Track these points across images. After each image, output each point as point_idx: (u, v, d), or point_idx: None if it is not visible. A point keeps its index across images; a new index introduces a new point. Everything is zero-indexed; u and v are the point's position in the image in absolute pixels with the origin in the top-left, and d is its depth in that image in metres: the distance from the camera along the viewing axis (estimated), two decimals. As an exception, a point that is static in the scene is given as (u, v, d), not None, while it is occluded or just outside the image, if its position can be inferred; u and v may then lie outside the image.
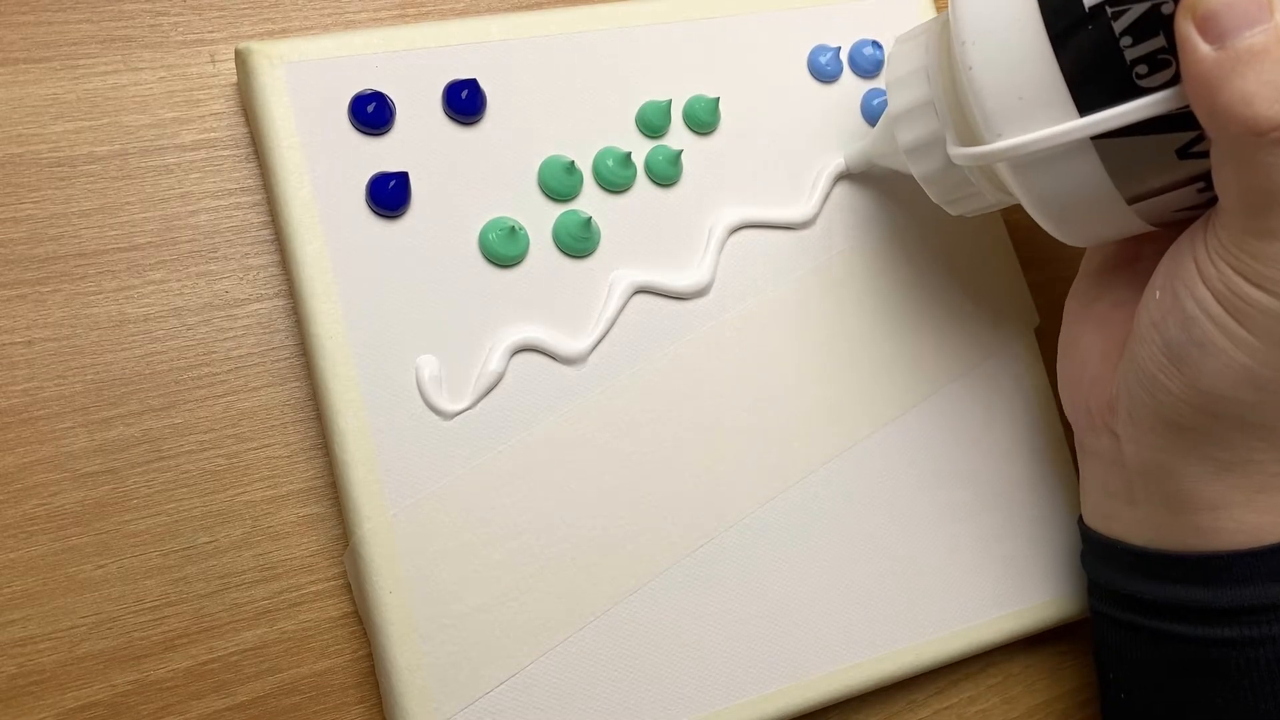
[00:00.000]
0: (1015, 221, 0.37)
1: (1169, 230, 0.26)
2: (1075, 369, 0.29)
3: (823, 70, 0.33)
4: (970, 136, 0.27)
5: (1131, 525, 0.29)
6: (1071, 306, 0.30)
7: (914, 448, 0.32)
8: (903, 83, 0.28)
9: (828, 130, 0.33)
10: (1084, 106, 0.24)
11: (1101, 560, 0.30)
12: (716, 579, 0.30)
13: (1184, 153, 0.24)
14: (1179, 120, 0.23)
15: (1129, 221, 0.26)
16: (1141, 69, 0.23)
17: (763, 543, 0.30)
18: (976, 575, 0.32)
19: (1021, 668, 0.34)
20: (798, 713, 0.30)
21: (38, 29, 0.29)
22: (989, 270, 0.35)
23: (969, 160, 0.26)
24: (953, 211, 0.30)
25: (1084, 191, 0.25)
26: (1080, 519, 0.31)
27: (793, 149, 0.33)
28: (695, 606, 0.29)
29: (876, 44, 0.34)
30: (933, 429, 0.33)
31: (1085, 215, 0.26)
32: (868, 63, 0.34)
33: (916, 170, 0.29)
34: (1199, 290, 0.24)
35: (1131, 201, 0.25)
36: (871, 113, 0.34)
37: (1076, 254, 0.38)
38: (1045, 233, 0.38)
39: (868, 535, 0.31)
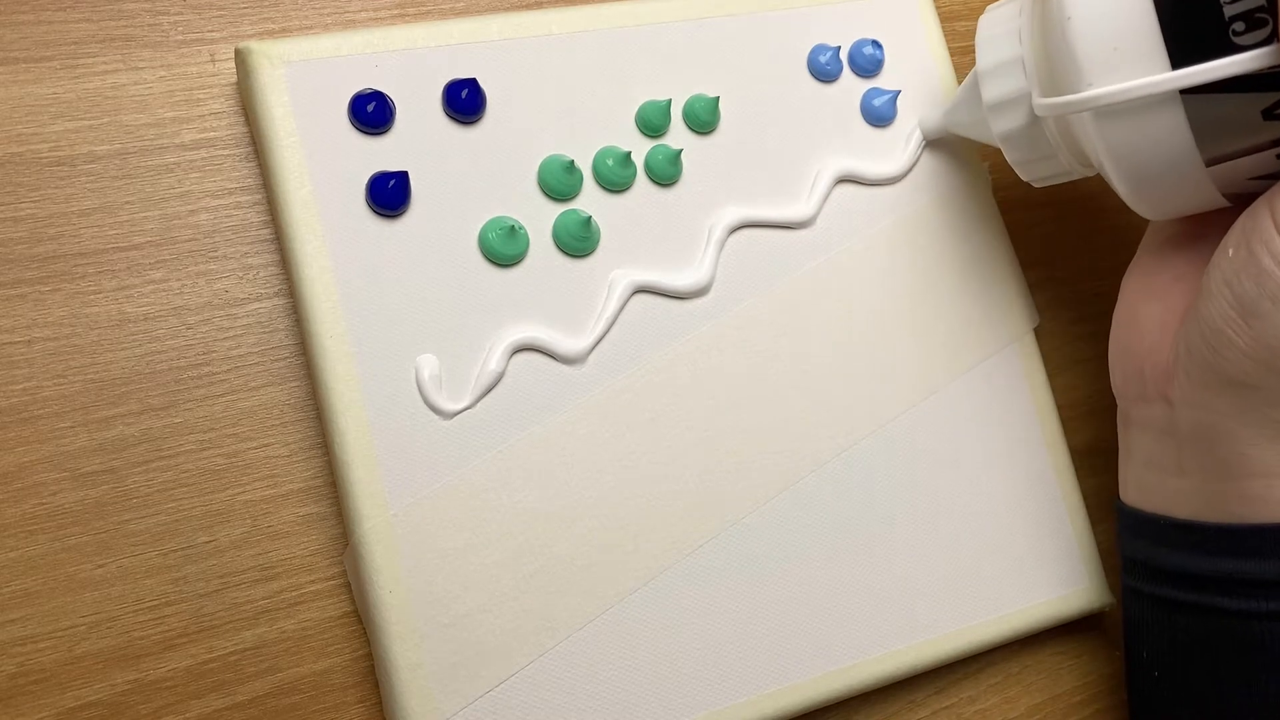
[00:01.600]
0: (1015, 221, 0.37)
1: (1235, 208, 0.27)
2: (1132, 338, 0.30)
3: (823, 70, 0.33)
4: (1057, 91, 0.27)
5: (1177, 497, 0.29)
6: (1130, 281, 0.31)
7: (914, 447, 0.32)
8: (993, 41, 0.29)
9: (828, 130, 0.33)
10: (1177, 60, 0.24)
11: (1140, 536, 0.30)
12: (716, 579, 0.30)
13: (1270, 114, 0.24)
14: (1269, 80, 0.24)
15: (1202, 188, 0.26)
16: (1238, 26, 0.24)
17: (762, 542, 0.30)
18: (976, 575, 0.32)
19: (1020, 668, 0.34)
20: (797, 713, 0.30)
21: (38, 28, 0.29)
22: (989, 270, 0.35)
23: (1056, 110, 0.27)
24: (1025, 175, 0.31)
25: (1165, 148, 0.26)
26: (1117, 498, 0.31)
27: (793, 149, 0.33)
28: (695, 606, 0.29)
29: (876, 44, 0.34)
30: (933, 428, 0.33)
31: (1161, 175, 0.26)
32: (868, 62, 0.34)
33: (998, 127, 0.30)
34: (1276, 245, 0.24)
35: (1210, 164, 0.26)
36: (871, 112, 0.34)
37: (1076, 254, 0.38)
38: (1045, 233, 0.38)
39: (867, 534, 0.31)
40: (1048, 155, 0.30)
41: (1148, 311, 0.30)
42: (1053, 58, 0.27)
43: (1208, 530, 0.28)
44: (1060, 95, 0.27)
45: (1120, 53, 0.25)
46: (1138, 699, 0.31)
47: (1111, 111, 0.26)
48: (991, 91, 0.30)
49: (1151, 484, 0.30)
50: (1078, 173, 0.30)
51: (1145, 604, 0.30)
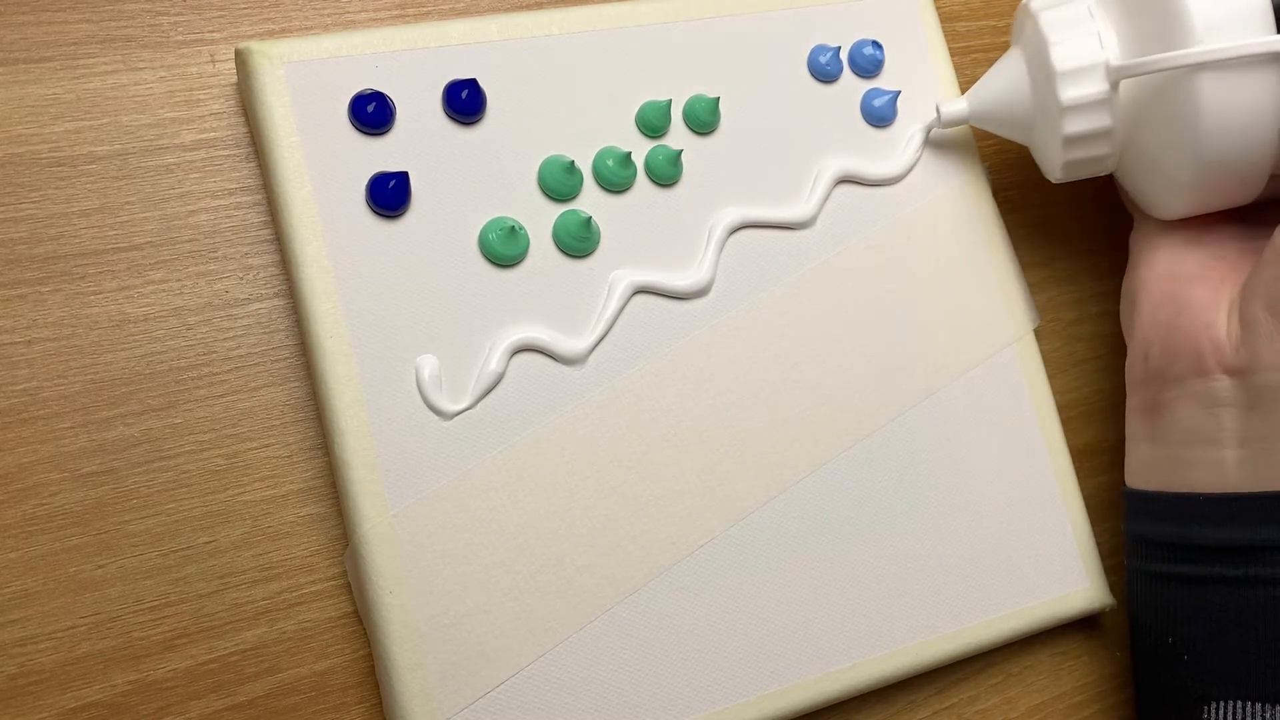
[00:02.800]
0: (1015, 221, 0.37)
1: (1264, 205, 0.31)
2: (1182, 319, 0.30)
3: (823, 70, 0.33)
4: (1152, 51, 0.29)
5: (1228, 470, 0.29)
6: (1153, 270, 0.32)
7: (914, 447, 0.32)
8: (1062, 15, 0.30)
9: (828, 130, 0.33)
10: None
11: (1166, 519, 0.30)
12: (716, 579, 0.30)
13: None
14: None
15: (1262, 163, 0.29)
16: None
17: (762, 543, 0.30)
18: (976, 575, 0.32)
19: (1021, 668, 0.34)
20: (797, 713, 0.30)
21: (38, 29, 0.29)
22: (989, 270, 0.35)
23: (1162, 64, 0.28)
24: (1063, 157, 0.31)
25: (1251, 111, 0.28)
26: (1126, 487, 0.32)
27: (793, 149, 0.33)
28: (695, 606, 0.29)
29: (876, 44, 0.34)
30: (933, 429, 0.33)
31: (1237, 142, 0.29)
32: (868, 63, 0.34)
33: (1068, 94, 0.30)
34: None
35: None
36: (871, 113, 0.34)
37: (1076, 254, 0.38)
38: (1045, 233, 0.38)
39: (867, 535, 0.31)
40: (1105, 132, 0.31)
41: (1192, 292, 0.30)
42: (1156, 18, 0.29)
43: (1260, 499, 0.28)
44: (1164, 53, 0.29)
45: (1232, 14, 0.28)
46: (1155, 691, 0.31)
47: (1216, 67, 0.28)
48: (1065, 61, 0.30)
49: (1190, 461, 0.30)
50: (1111, 162, 0.32)
51: (1171, 587, 0.30)
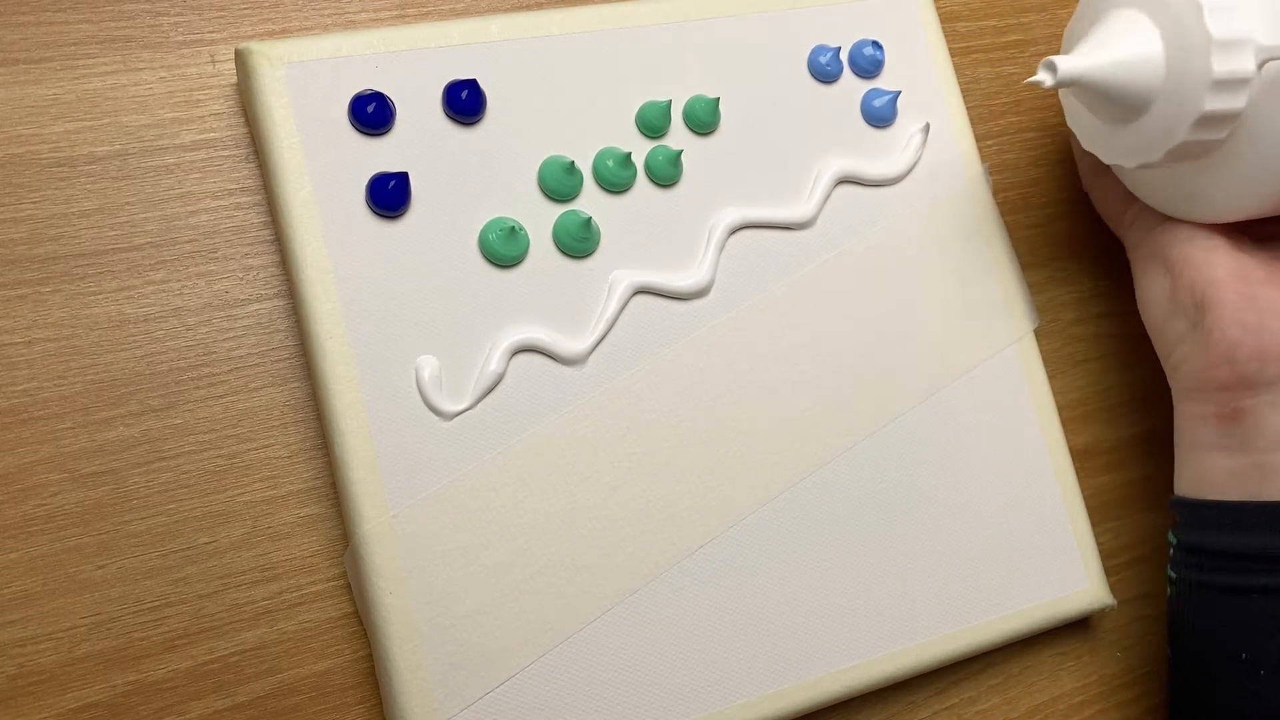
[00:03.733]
0: (1015, 221, 0.37)
1: None
2: (1273, 323, 0.30)
3: (823, 70, 0.33)
4: None
5: None
6: (1217, 275, 0.30)
7: (914, 448, 0.32)
8: None
9: (828, 130, 0.33)
10: None
11: (1253, 530, 0.30)
12: (716, 579, 0.30)
13: None
14: None
15: None
16: None
17: (762, 543, 0.30)
18: (977, 576, 0.32)
19: (1021, 668, 0.34)
20: (798, 713, 0.30)
21: (38, 29, 0.29)
22: (989, 270, 0.35)
23: None
24: (1184, 137, 0.29)
25: None
26: (1190, 500, 0.31)
27: (793, 149, 0.33)
28: (695, 607, 0.29)
29: (876, 44, 0.34)
30: (933, 429, 0.33)
31: None
32: (868, 63, 0.34)
33: (1223, 67, 0.28)
34: None
35: None
36: (871, 113, 0.34)
37: (1076, 254, 0.38)
38: (1045, 233, 0.38)
39: (867, 535, 0.31)
40: (1234, 115, 0.29)
41: (1273, 295, 0.30)
42: None
43: None
44: None
45: None
46: (1211, 706, 0.31)
47: None
48: (1222, 30, 0.28)
49: (1272, 466, 0.29)
50: (1212, 150, 0.30)
51: (1250, 600, 0.30)
